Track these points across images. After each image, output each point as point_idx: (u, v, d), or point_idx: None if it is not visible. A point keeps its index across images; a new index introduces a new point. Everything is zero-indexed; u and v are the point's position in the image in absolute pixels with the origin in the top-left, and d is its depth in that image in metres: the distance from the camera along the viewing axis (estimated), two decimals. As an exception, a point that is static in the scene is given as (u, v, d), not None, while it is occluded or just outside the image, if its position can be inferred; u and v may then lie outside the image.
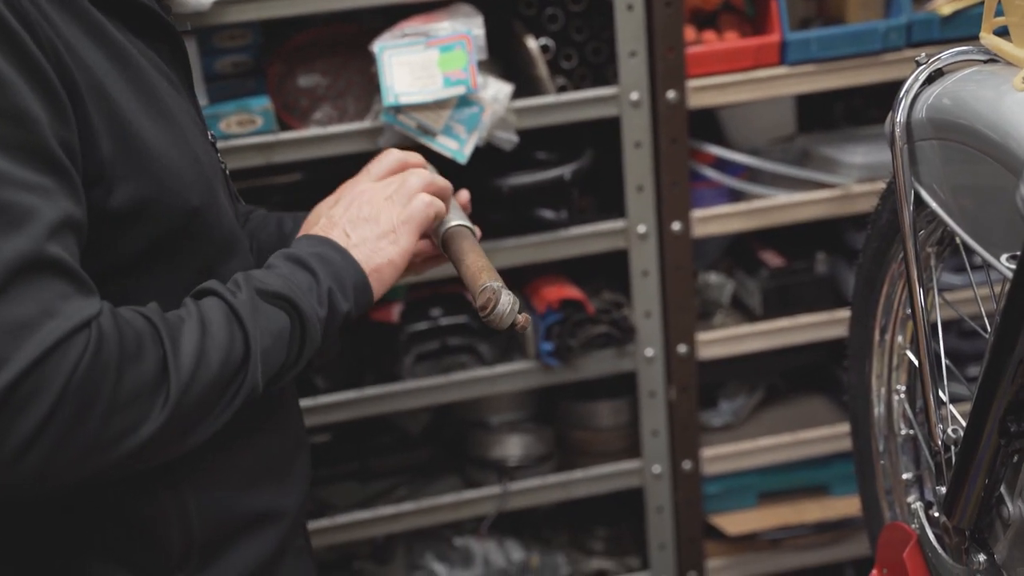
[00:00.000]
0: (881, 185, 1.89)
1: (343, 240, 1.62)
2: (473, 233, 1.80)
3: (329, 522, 2.60)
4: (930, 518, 1.65)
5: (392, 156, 1.84)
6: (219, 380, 1.41)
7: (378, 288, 1.62)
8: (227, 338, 1.42)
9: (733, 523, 2.80)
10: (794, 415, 2.83)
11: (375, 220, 1.65)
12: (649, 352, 2.61)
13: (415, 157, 1.84)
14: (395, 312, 2.60)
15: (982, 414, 1.41)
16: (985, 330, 1.60)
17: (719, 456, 2.74)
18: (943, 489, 1.56)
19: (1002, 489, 1.45)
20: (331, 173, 2.37)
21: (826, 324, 2.60)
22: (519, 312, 1.60)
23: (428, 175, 1.74)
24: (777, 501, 2.83)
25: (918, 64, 1.60)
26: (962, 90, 1.51)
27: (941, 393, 1.65)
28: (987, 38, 1.51)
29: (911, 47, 2.45)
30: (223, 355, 1.41)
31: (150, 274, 1.49)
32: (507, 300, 1.59)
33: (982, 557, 1.52)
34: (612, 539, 2.90)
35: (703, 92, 2.49)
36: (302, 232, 1.79)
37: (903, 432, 1.87)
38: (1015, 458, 1.42)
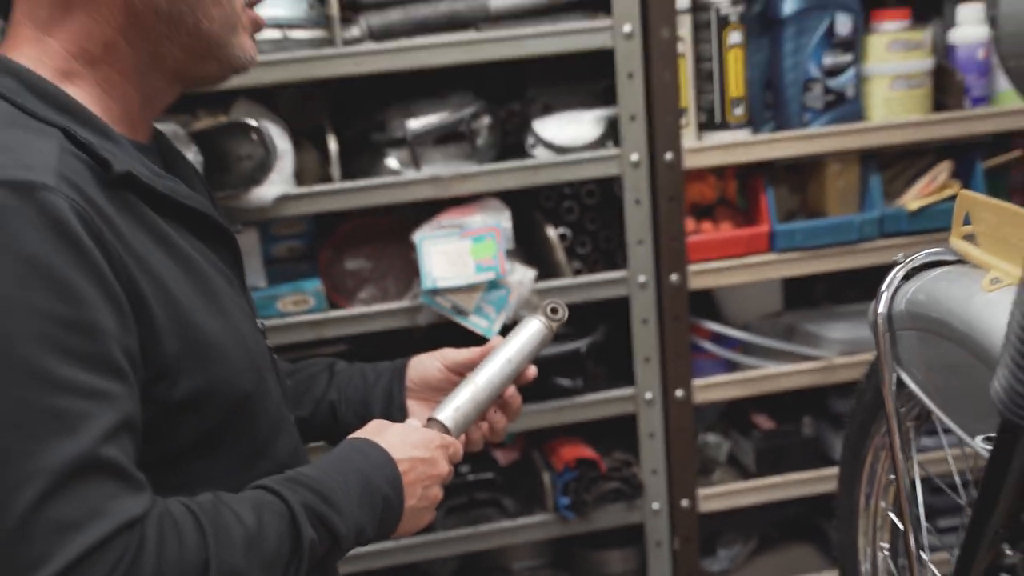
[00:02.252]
0: (860, 358, 1.91)
1: (409, 487, 1.54)
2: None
3: None
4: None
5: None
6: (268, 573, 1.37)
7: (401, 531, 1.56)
8: (283, 536, 1.38)
9: (732, 662, 2.76)
10: (785, 563, 2.82)
11: (435, 486, 1.59)
12: (655, 506, 2.60)
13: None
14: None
15: (963, 567, 1.39)
16: (955, 489, 1.61)
17: None
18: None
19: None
20: (373, 345, 2.45)
21: (813, 481, 2.58)
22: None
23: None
24: (769, 640, 2.79)
25: (896, 263, 1.61)
26: (936, 288, 1.52)
27: (922, 553, 1.63)
28: (956, 243, 1.54)
29: (883, 237, 2.50)
30: (272, 553, 1.37)
31: (209, 454, 1.47)
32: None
33: None
34: None
35: (702, 275, 2.51)
36: (418, 400, 1.81)
37: None
38: None
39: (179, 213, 1.45)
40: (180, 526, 1.28)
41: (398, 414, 1.81)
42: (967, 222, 1.52)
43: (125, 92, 1.45)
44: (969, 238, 1.52)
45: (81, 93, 1.41)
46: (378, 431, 1.57)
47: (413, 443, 1.56)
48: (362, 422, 1.73)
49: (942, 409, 1.52)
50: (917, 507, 1.68)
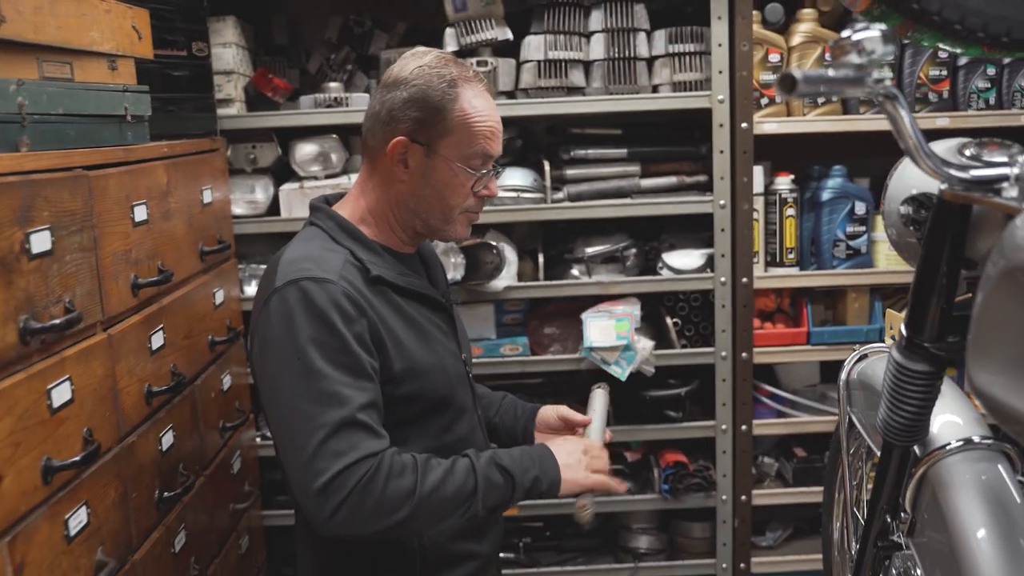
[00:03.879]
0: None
1: (561, 460, 1.58)
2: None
3: (536, 571, 2.66)
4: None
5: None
6: (452, 502, 1.46)
7: (558, 491, 1.57)
8: (463, 480, 1.47)
9: (769, 605, 2.75)
10: (809, 546, 2.77)
11: (578, 467, 1.59)
12: (724, 497, 2.63)
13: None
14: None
15: (866, 539, 1.52)
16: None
17: (763, 563, 2.72)
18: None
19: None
20: (555, 378, 2.59)
21: (829, 493, 2.61)
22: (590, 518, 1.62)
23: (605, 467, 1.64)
24: (796, 594, 2.76)
25: (855, 352, 1.71)
26: (872, 366, 1.63)
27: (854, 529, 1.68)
28: (888, 340, 1.70)
29: (881, 340, 2.40)
30: (456, 489, 1.46)
31: (417, 425, 1.58)
32: (587, 508, 1.60)
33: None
34: (697, 605, 2.82)
35: (762, 355, 2.57)
36: (540, 433, 1.81)
37: (847, 549, 1.83)
38: (884, 562, 1.49)
39: (412, 295, 1.61)
40: (404, 464, 1.45)
41: (529, 439, 1.83)
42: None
43: (394, 232, 1.63)
44: (893, 338, 1.58)
45: (368, 230, 1.61)
46: (550, 440, 1.66)
47: (567, 450, 1.60)
48: (507, 438, 1.84)
49: (870, 438, 1.60)
50: (859, 492, 1.75)
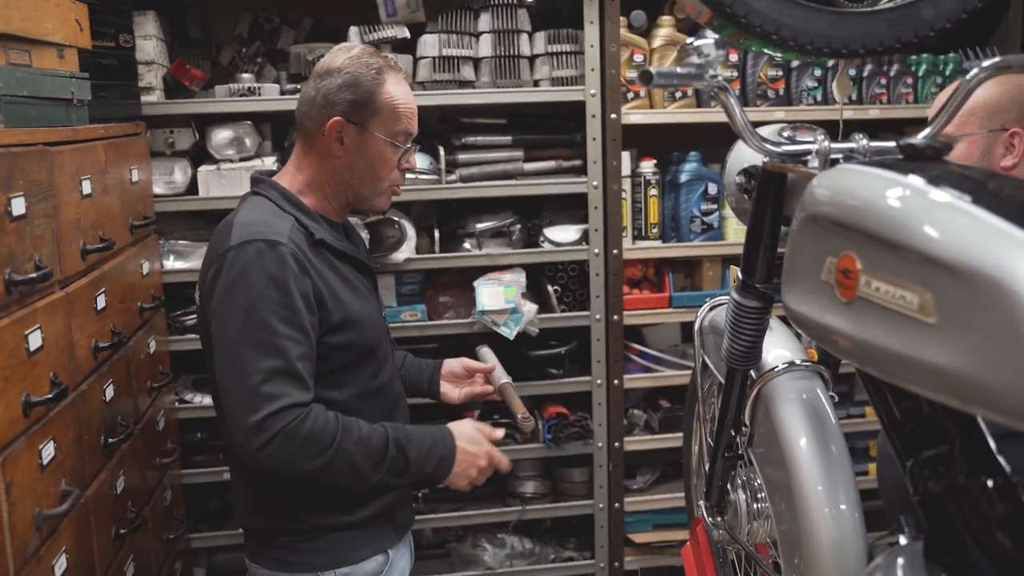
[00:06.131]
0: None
1: (456, 469, 1.70)
2: (511, 383, 1.99)
3: (436, 517, 2.82)
4: (706, 508, 1.80)
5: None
6: (363, 465, 1.58)
7: (447, 480, 1.71)
8: (374, 450, 1.59)
9: (639, 538, 2.98)
10: (675, 487, 2.95)
11: (473, 469, 1.73)
12: (600, 444, 2.82)
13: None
14: (476, 414, 2.64)
15: (715, 452, 1.71)
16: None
17: (634, 503, 2.92)
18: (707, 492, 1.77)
19: (728, 486, 1.72)
20: (449, 342, 2.71)
21: (689, 437, 2.88)
22: (533, 426, 1.89)
23: (496, 460, 1.77)
24: (662, 528, 2.99)
25: (706, 304, 1.93)
26: (718, 313, 1.86)
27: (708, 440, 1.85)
28: (731, 291, 1.95)
29: None
30: (370, 452, 1.59)
31: (351, 372, 1.69)
32: (531, 420, 1.86)
33: (720, 519, 1.76)
34: (577, 541, 3.02)
35: (631, 317, 2.80)
36: (446, 381, 1.99)
37: (703, 473, 1.97)
38: (731, 472, 1.69)
39: (346, 257, 1.73)
40: (327, 418, 1.57)
41: (435, 387, 1.99)
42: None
43: (328, 203, 1.76)
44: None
45: (307, 199, 1.74)
46: (460, 426, 1.76)
47: (471, 440, 1.74)
48: (412, 389, 1.98)
49: (719, 374, 1.79)
50: (712, 423, 1.91)
